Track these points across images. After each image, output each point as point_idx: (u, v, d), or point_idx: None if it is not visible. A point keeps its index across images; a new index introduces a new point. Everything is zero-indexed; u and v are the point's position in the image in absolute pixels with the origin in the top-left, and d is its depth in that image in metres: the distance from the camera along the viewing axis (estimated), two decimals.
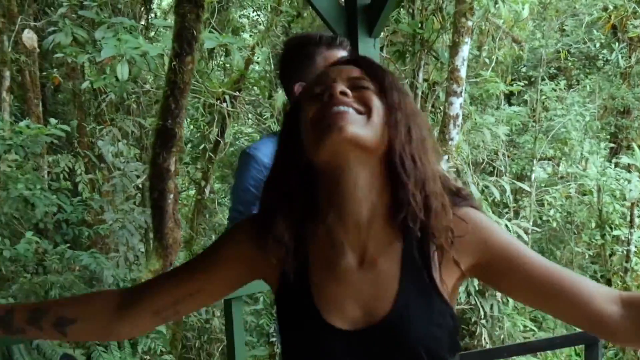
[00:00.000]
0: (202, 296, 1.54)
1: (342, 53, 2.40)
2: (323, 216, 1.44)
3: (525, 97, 10.60)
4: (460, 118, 7.20)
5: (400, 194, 1.39)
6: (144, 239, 8.90)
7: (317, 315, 1.39)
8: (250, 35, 11.60)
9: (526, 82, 10.41)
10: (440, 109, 8.04)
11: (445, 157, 6.98)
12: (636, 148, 8.41)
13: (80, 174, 9.71)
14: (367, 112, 1.38)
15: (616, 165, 9.02)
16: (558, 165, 10.44)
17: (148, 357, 6.63)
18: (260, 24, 12.26)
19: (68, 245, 8.56)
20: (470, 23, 7.03)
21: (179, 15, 5.38)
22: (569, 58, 10.49)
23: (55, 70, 9.54)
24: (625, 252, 8.15)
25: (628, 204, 8.35)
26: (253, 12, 12.37)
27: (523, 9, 7.07)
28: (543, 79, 9.73)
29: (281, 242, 1.41)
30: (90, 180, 9.65)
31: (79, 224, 9.01)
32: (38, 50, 8.03)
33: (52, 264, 8.43)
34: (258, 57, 9.40)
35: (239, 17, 11.95)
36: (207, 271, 1.52)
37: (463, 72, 7.11)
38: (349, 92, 1.39)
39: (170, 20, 8.50)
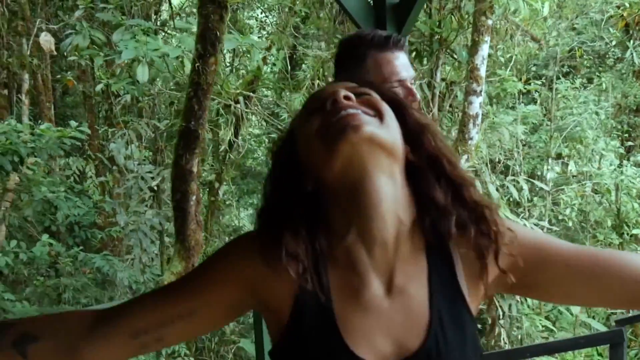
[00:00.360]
0: (193, 321, 1.28)
1: (397, 54, 2.19)
2: (340, 236, 1.24)
3: (535, 95, 10.58)
4: (479, 117, 7.18)
5: (438, 202, 1.25)
6: (158, 241, 8.87)
7: (345, 348, 1.20)
8: (259, 37, 11.59)
9: (541, 80, 10.38)
10: (457, 108, 8.02)
11: (465, 156, 6.96)
12: None
13: (91, 176, 9.71)
14: (378, 115, 1.24)
15: (633, 164, 9.00)
16: (567, 164, 10.38)
17: None
18: (268, 25, 12.27)
19: (81, 248, 8.54)
20: (490, 22, 7.01)
21: (203, 16, 5.35)
22: (584, 56, 10.48)
23: (69, 73, 9.52)
24: None
25: None
26: (261, 14, 12.38)
27: (543, 6, 7.04)
28: (558, 78, 9.72)
29: (296, 258, 1.20)
30: (100, 183, 9.64)
31: (90, 227, 8.99)
32: (55, 53, 8.01)
33: (65, 267, 8.40)
34: (272, 59, 9.37)
35: (247, 18, 11.94)
36: (202, 291, 1.28)
37: (483, 71, 7.08)
38: (352, 96, 1.24)
39: (184, 21, 8.49)
